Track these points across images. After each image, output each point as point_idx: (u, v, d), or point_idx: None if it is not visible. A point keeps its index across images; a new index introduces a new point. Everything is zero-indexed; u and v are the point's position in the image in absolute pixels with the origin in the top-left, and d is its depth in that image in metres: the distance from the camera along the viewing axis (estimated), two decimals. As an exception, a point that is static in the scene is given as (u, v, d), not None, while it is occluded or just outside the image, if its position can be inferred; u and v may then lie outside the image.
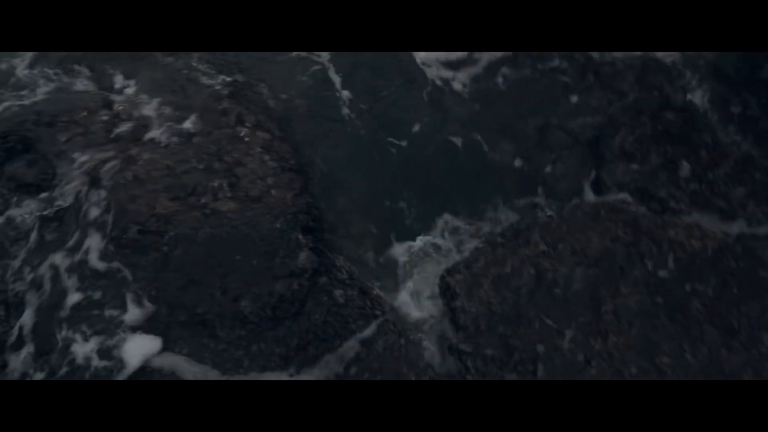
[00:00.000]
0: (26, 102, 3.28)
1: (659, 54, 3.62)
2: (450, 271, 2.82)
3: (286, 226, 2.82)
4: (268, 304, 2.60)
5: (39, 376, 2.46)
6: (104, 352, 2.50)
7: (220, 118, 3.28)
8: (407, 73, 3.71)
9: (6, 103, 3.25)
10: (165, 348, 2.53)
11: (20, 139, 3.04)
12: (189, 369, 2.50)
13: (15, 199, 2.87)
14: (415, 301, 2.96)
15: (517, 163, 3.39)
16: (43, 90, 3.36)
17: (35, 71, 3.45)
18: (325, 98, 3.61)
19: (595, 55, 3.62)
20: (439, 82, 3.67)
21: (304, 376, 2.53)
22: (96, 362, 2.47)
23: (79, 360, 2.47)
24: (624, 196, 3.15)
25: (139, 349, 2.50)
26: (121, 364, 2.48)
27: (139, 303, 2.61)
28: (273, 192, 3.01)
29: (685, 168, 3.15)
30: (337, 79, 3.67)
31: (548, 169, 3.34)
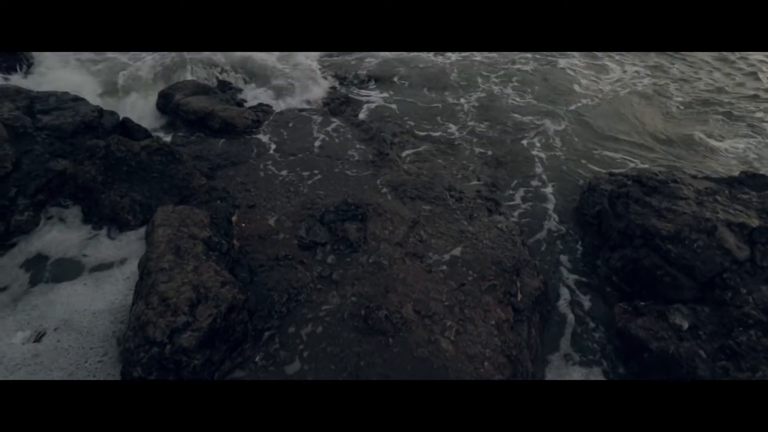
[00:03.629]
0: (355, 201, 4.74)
1: None
2: None
3: (484, 399, 2.89)
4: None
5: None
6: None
7: (484, 281, 3.86)
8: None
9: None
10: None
11: (361, 213, 4.36)
12: None
13: (338, 248, 4.06)
14: None
15: None
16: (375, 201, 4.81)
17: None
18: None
19: None
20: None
21: None
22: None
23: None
24: None
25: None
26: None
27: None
28: (486, 363, 3.20)
29: None
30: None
31: None
